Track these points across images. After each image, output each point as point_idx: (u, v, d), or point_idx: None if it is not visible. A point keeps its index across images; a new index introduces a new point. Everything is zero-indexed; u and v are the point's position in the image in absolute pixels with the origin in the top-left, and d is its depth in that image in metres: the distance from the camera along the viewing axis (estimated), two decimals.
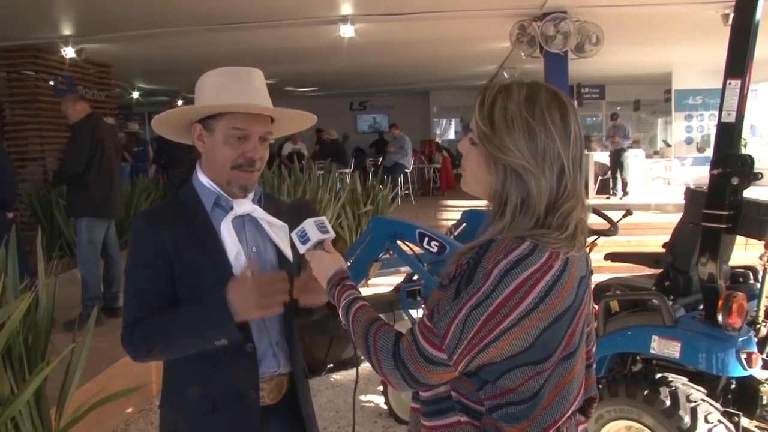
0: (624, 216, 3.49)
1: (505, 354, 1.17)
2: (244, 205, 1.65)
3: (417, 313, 3.47)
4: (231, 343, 1.54)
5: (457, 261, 1.21)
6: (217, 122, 1.59)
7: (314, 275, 1.47)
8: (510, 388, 1.19)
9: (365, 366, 4.67)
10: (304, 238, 1.47)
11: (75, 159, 4.92)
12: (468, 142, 1.26)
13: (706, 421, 2.49)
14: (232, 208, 1.64)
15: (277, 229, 1.69)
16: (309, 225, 1.47)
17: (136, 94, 14.97)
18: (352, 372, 4.50)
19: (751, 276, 3.17)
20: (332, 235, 1.50)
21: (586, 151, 12.69)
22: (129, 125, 11.99)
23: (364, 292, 3.22)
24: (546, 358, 1.20)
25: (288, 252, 1.70)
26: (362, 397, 4.23)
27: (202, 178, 1.66)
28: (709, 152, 3.15)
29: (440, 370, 1.18)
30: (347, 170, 12.15)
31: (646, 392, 2.63)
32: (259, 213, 1.67)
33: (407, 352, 1.20)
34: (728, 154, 2.70)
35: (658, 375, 2.69)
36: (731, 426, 2.54)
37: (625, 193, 12.08)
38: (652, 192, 11.53)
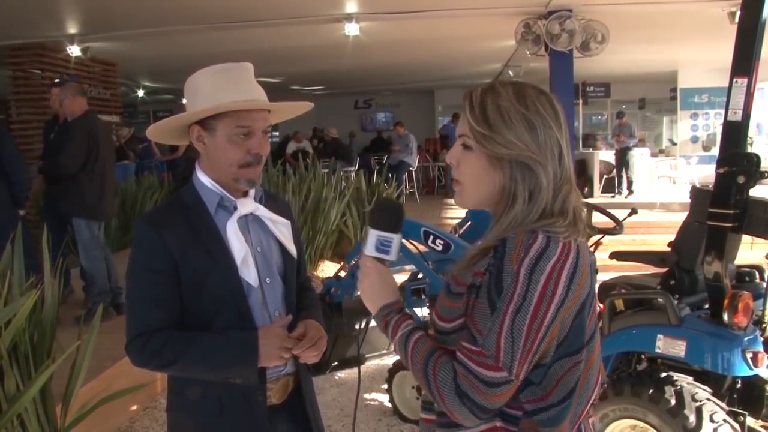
0: (629, 215, 3.48)
1: (551, 350, 1.18)
2: (248, 205, 1.64)
3: (421, 311, 3.47)
4: (243, 383, 1.56)
5: (471, 267, 1.20)
6: (219, 122, 1.57)
7: (362, 288, 1.34)
8: (552, 385, 1.20)
9: (368, 365, 4.66)
10: (384, 247, 1.32)
11: (71, 158, 4.84)
12: (459, 148, 1.25)
13: (712, 421, 2.48)
14: (236, 208, 1.62)
15: (280, 226, 1.69)
16: (374, 235, 1.32)
17: (141, 93, 15.00)
18: (356, 370, 4.50)
19: (757, 275, 3.16)
20: (390, 258, 1.33)
21: (591, 150, 12.80)
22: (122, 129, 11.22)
23: None
24: (581, 347, 1.22)
25: (292, 249, 1.71)
26: (366, 395, 4.23)
27: (203, 179, 1.63)
28: (715, 151, 3.13)
29: (504, 389, 1.15)
30: (352, 168, 12.15)
31: (651, 391, 2.62)
32: (262, 211, 1.67)
33: (467, 384, 1.15)
34: (734, 152, 2.69)
35: (663, 374, 2.68)
36: (737, 425, 2.53)
37: (631, 192, 12.04)
38: (657, 190, 11.48)
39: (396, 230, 1.32)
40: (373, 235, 1.31)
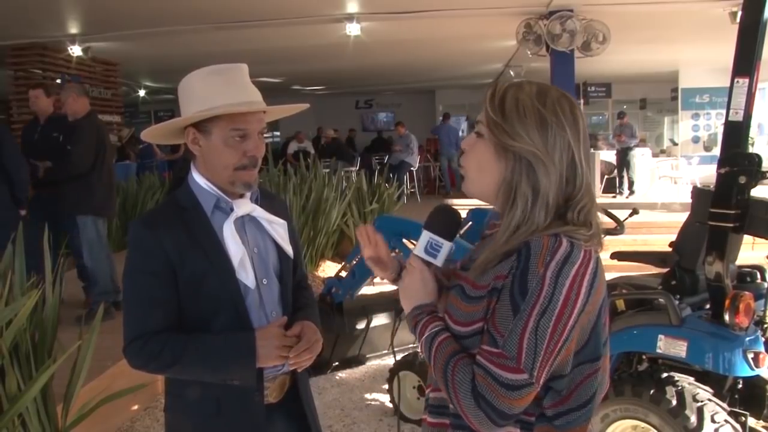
0: (630, 215, 3.47)
1: (570, 359, 1.19)
2: (245, 206, 1.64)
3: None
4: (241, 385, 1.56)
5: (489, 271, 1.19)
6: (214, 124, 1.56)
7: (402, 286, 1.34)
8: (571, 389, 1.21)
9: (369, 365, 4.65)
10: (433, 250, 1.32)
11: (81, 158, 4.91)
12: (474, 135, 1.26)
13: (713, 421, 2.48)
14: (232, 209, 1.62)
15: (277, 227, 1.69)
16: (426, 237, 1.33)
17: (142, 93, 15.00)
18: (357, 370, 4.51)
19: (759, 275, 3.15)
20: (437, 264, 1.34)
21: (592, 150, 12.77)
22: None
23: (370, 290, 3.21)
24: (600, 355, 1.23)
25: (288, 249, 1.71)
26: (367, 395, 4.23)
27: (199, 180, 1.63)
28: (716, 151, 3.13)
29: (524, 392, 1.13)
30: (353, 168, 12.15)
31: (652, 391, 2.62)
32: (258, 212, 1.66)
33: (484, 386, 1.13)
34: (735, 152, 2.69)
35: (664, 374, 2.68)
36: (738, 426, 2.53)
37: (632, 192, 12.04)
38: (658, 191, 11.47)
39: (448, 237, 1.32)
40: (425, 236, 1.32)
